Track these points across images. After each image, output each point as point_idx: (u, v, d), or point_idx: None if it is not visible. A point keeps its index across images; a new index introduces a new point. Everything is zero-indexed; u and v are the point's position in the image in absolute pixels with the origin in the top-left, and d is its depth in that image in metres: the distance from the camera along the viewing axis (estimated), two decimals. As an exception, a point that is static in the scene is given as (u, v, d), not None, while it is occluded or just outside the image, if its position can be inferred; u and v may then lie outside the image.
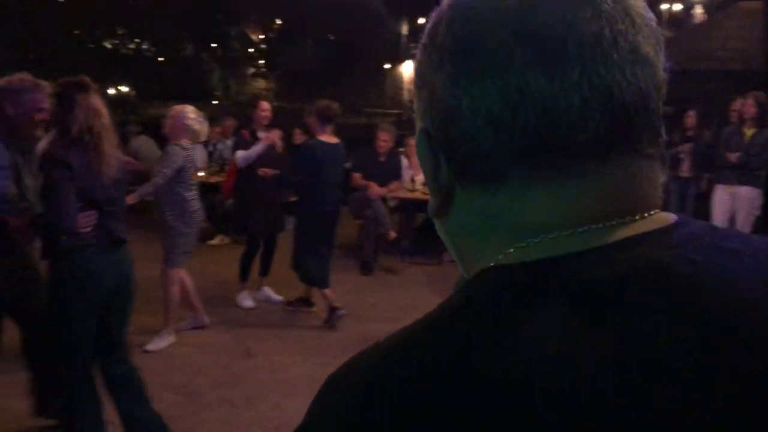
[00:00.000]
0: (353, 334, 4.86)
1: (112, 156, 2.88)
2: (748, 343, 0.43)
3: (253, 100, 6.15)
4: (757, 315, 0.44)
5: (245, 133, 5.83)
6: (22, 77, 3.09)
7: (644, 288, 0.44)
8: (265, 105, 5.85)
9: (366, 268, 6.74)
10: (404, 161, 7.36)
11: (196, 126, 4.67)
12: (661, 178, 0.52)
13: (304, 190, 5.13)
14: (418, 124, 0.55)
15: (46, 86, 3.11)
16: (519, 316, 0.44)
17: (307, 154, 5.07)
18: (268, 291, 5.74)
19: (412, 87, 0.57)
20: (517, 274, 0.48)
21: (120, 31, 17.35)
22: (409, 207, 7.31)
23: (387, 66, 41.14)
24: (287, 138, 9.32)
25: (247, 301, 5.58)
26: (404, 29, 42.83)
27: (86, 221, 2.81)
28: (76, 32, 14.82)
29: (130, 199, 4.43)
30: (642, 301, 0.44)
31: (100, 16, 15.26)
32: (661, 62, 0.51)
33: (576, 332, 0.42)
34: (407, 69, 44.80)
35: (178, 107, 4.75)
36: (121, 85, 19.46)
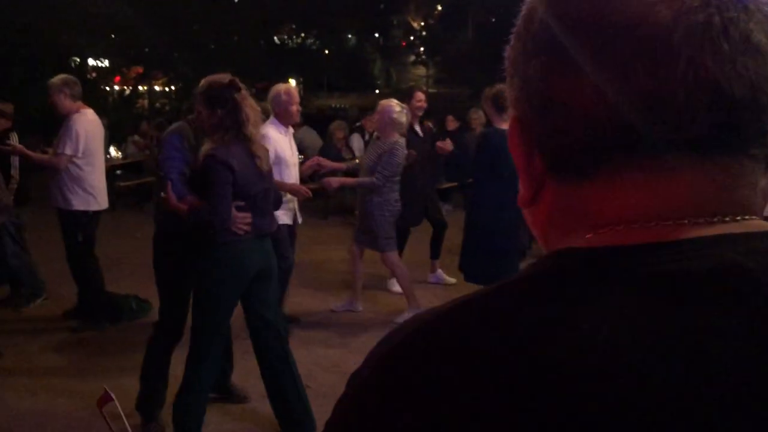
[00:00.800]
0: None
1: (264, 151, 3.07)
2: None
3: (409, 91, 6.12)
4: None
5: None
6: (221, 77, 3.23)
7: (715, 286, 0.42)
8: (420, 95, 5.81)
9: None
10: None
11: (402, 119, 4.81)
12: (763, 181, 0.48)
13: (480, 181, 4.91)
14: (511, 112, 0.54)
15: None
16: (580, 297, 0.43)
17: (482, 144, 4.85)
18: (441, 273, 5.98)
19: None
20: (586, 257, 0.47)
21: (288, 27, 18.31)
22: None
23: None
24: (440, 124, 9.35)
25: (395, 287, 5.68)
26: (568, 7, 40.95)
27: (242, 221, 3.03)
28: (248, 30, 15.84)
29: (335, 183, 4.90)
30: (712, 299, 0.42)
31: (270, 14, 16.19)
32: None
33: (637, 324, 0.41)
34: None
35: (384, 102, 4.89)
36: (289, 78, 20.57)
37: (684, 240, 0.45)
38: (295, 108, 4.63)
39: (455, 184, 8.34)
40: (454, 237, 5.82)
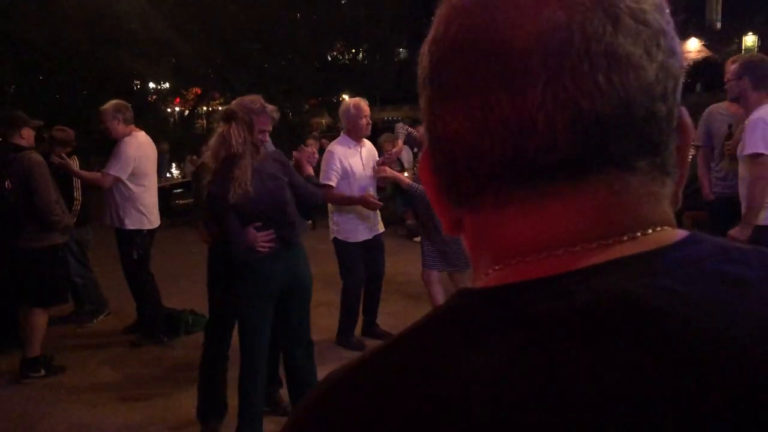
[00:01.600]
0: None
1: (247, 173, 3.01)
2: (704, 387, 0.37)
3: None
4: (736, 358, 0.37)
5: None
6: (254, 98, 3.28)
7: (596, 323, 0.40)
8: None
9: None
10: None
11: None
12: (663, 189, 0.46)
13: None
14: (424, 145, 0.54)
15: (273, 109, 3.41)
16: (467, 342, 0.42)
17: None
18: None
19: None
20: (478, 300, 0.46)
21: (339, 44, 18.54)
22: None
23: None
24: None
25: None
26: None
27: (264, 239, 3.10)
28: (300, 48, 16.10)
29: (389, 173, 4.64)
30: (589, 337, 0.39)
31: (322, 31, 16.44)
32: (656, 60, 0.44)
33: (513, 368, 0.40)
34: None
35: None
36: (344, 93, 20.78)
37: (572, 272, 0.43)
38: (365, 121, 4.60)
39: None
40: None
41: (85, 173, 5.23)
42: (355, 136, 4.64)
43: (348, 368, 0.47)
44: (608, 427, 0.37)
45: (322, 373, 4.17)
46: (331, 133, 15.29)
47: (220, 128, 3.05)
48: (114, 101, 5.00)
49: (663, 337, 0.39)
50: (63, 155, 5.15)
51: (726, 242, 0.46)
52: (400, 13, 19.02)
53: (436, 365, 0.42)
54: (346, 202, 4.64)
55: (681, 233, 0.46)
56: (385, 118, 28.37)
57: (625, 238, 0.44)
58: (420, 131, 6.04)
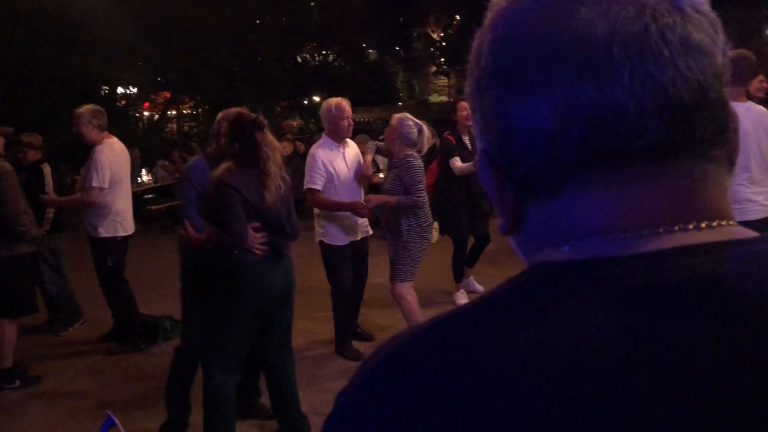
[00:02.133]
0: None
1: (275, 186, 3.08)
2: None
3: (454, 104, 5.89)
4: None
5: (450, 137, 5.59)
6: (241, 111, 3.28)
7: (685, 298, 0.42)
8: (464, 104, 5.50)
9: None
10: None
11: (414, 133, 4.35)
12: (729, 181, 0.49)
13: None
14: (478, 145, 0.55)
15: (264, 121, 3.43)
16: (551, 309, 0.43)
17: None
18: (471, 280, 5.90)
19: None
20: (559, 271, 0.47)
21: (309, 46, 18.53)
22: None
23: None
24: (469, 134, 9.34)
25: (462, 300, 5.66)
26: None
27: (259, 240, 3.09)
28: (271, 51, 16.06)
29: (375, 200, 4.36)
30: (680, 312, 0.41)
31: (292, 34, 16.42)
32: (719, 47, 0.47)
33: (603, 334, 0.41)
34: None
35: (397, 116, 4.49)
36: (314, 95, 20.73)
37: (659, 251, 0.45)
38: (346, 123, 4.49)
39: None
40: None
41: (71, 199, 5.18)
42: (337, 138, 4.55)
43: (428, 328, 0.47)
44: (695, 396, 0.38)
45: (324, 384, 4.19)
46: (303, 135, 15.28)
47: (259, 137, 3.07)
48: (90, 106, 4.94)
49: (750, 318, 0.40)
50: (47, 192, 5.12)
51: None
52: (370, 17, 19.09)
53: (530, 332, 0.42)
54: (335, 208, 4.53)
55: (749, 232, 0.48)
56: (357, 120, 28.47)
57: (703, 225, 0.46)
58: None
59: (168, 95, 16.43)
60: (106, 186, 4.84)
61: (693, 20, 0.46)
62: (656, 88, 0.44)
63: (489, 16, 0.52)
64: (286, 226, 3.22)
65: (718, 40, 0.47)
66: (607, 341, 0.40)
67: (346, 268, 4.65)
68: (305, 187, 4.55)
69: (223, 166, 3.07)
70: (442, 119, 14.58)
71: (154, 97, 16.06)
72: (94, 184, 4.81)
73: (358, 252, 4.74)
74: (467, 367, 0.42)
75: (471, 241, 5.82)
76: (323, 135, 4.69)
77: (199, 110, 16.33)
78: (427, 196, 4.38)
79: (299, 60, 18.65)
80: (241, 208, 3.01)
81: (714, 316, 0.41)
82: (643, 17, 0.45)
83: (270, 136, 3.11)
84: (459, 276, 5.74)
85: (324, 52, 19.34)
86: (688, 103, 0.45)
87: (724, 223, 0.47)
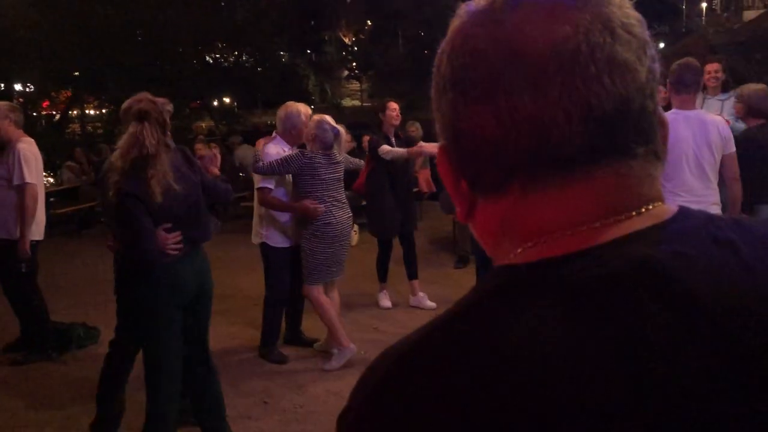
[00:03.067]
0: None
1: (168, 173, 2.94)
2: (727, 330, 0.47)
3: (381, 103, 5.77)
4: (737, 304, 0.48)
5: (373, 139, 5.58)
6: (155, 98, 3.14)
7: (633, 283, 0.48)
8: (393, 105, 5.61)
9: (461, 261, 6.83)
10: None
11: (328, 136, 4.35)
12: (658, 171, 0.56)
13: None
14: (439, 142, 0.61)
15: (164, 102, 3.39)
16: (517, 310, 0.49)
17: None
18: (423, 297, 5.69)
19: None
20: (519, 273, 0.52)
21: (221, 45, 18.19)
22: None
23: (479, 57, 40.49)
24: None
25: (385, 301, 5.69)
26: (495, 19, 41.96)
27: (172, 241, 2.98)
28: (180, 50, 15.66)
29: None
30: (630, 297, 0.47)
31: (202, 33, 16.06)
32: (645, 64, 0.53)
33: (563, 328, 0.46)
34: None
35: (316, 117, 4.51)
36: (224, 97, 20.37)
37: (600, 245, 0.51)
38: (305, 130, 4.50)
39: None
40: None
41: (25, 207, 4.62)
42: (292, 141, 4.55)
43: (408, 345, 0.52)
44: (656, 376, 0.44)
45: (248, 388, 4.14)
46: (213, 138, 14.93)
47: (131, 128, 2.91)
48: (4, 101, 4.68)
49: (685, 292, 0.48)
50: None
51: (708, 213, 0.56)
52: (281, 19, 18.94)
53: (503, 335, 0.48)
54: (288, 210, 4.50)
55: (673, 208, 0.55)
56: (268, 122, 28.10)
57: (633, 213, 0.53)
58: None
59: (68, 94, 15.67)
60: (36, 182, 4.59)
61: (621, 40, 0.52)
62: (581, 102, 0.51)
63: (451, 26, 0.59)
64: (203, 217, 3.17)
65: (644, 58, 0.54)
66: (573, 335, 0.46)
67: (285, 271, 4.61)
68: (257, 185, 4.46)
69: (116, 173, 2.91)
70: (356, 123, 14.67)
71: (54, 95, 15.29)
72: (31, 180, 4.52)
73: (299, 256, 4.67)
74: (461, 370, 0.47)
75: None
76: (276, 135, 4.61)
77: (104, 110, 15.67)
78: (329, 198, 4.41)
79: (210, 60, 18.26)
80: (146, 216, 2.89)
81: (653, 297, 0.47)
82: (577, 36, 0.51)
83: (147, 129, 2.91)
84: (383, 276, 5.76)
85: (235, 53, 19.02)
86: (609, 114, 0.51)
87: (651, 207, 0.54)
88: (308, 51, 28.94)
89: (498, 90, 0.52)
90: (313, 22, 27.79)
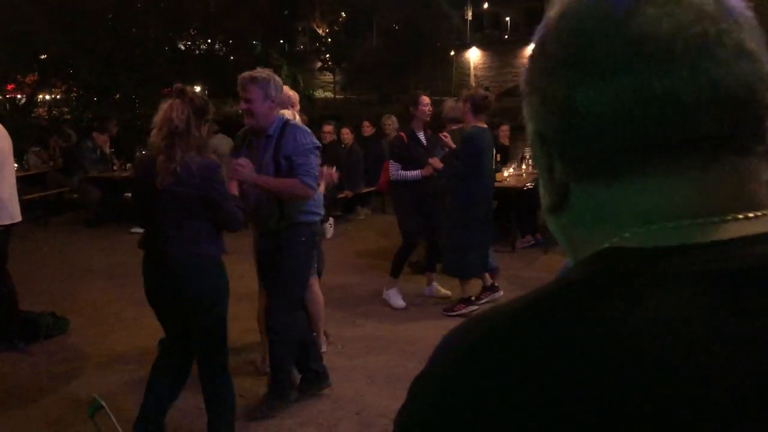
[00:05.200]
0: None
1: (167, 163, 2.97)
2: None
3: (413, 96, 5.45)
4: None
5: (403, 135, 5.45)
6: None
7: (758, 284, 0.46)
8: (426, 99, 5.36)
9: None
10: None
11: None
12: (766, 176, 0.53)
13: (466, 178, 5.00)
14: (530, 127, 0.58)
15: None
16: (638, 295, 0.46)
17: (470, 143, 4.96)
18: (435, 287, 5.62)
19: (523, 92, 0.59)
20: (639, 257, 0.50)
21: (193, 32, 17.91)
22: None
23: (452, 53, 40.77)
24: (357, 130, 9.40)
25: (397, 299, 5.44)
26: (468, 15, 42.32)
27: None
28: (152, 36, 15.38)
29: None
30: (757, 297, 0.45)
31: (174, 19, 15.81)
32: (766, 57, 0.52)
33: (707, 316, 0.45)
34: (473, 55, 44.34)
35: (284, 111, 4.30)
36: (196, 85, 20.10)
37: (723, 241, 0.49)
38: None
39: (373, 188, 8.45)
40: (379, 241, 5.93)
41: None
42: None
43: (505, 316, 0.50)
44: None
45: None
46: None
47: (164, 104, 2.90)
48: None
49: None
50: None
51: None
52: (254, 7, 18.76)
53: (620, 320, 0.45)
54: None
55: None
56: (239, 111, 27.77)
57: (752, 215, 0.51)
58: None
59: (35, 77, 15.29)
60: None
61: (745, 29, 0.52)
62: (712, 83, 0.49)
63: (555, 9, 0.57)
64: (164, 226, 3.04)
65: (764, 50, 0.53)
66: (697, 327, 0.44)
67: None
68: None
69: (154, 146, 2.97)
70: (330, 115, 14.56)
71: (21, 78, 14.89)
72: None
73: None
74: (570, 364, 0.45)
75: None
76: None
77: (72, 95, 15.30)
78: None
79: (182, 47, 17.97)
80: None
81: None
82: (703, 21, 0.50)
83: (183, 106, 2.92)
84: (397, 272, 5.49)
85: (208, 41, 18.77)
86: (738, 100, 0.50)
87: (766, 213, 0.52)
88: (281, 41, 28.68)
89: (622, 68, 0.50)
90: (287, 12, 27.53)
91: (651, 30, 0.50)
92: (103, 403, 1.97)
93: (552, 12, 0.57)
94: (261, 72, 3.54)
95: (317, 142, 3.67)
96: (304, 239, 3.68)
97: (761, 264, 0.47)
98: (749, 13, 0.53)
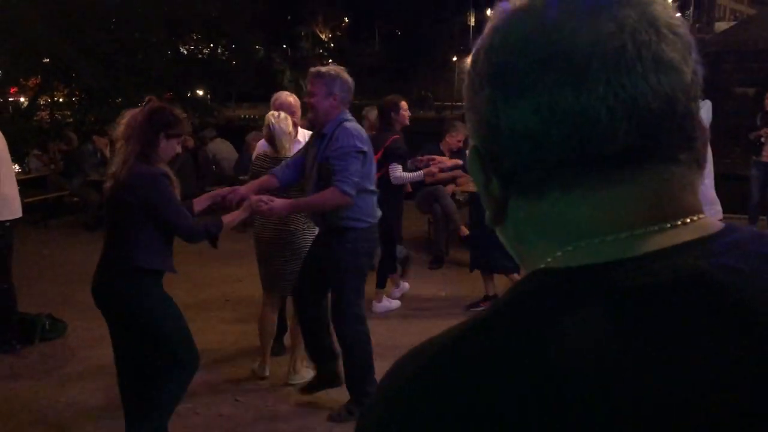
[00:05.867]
0: (425, 328, 4.95)
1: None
2: None
3: (394, 101, 5.44)
4: None
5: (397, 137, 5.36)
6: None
7: (682, 295, 0.47)
8: (405, 104, 5.39)
9: (437, 262, 6.81)
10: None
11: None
12: (698, 180, 0.54)
13: None
14: (471, 142, 0.60)
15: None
16: (561, 317, 0.47)
17: None
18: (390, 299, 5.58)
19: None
20: (562, 278, 0.51)
21: (195, 37, 17.96)
22: (478, 200, 7.29)
23: (455, 58, 40.85)
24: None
25: (389, 303, 5.47)
26: (471, 20, 42.41)
27: None
28: (154, 40, 15.41)
29: None
30: (679, 308, 0.46)
31: (176, 24, 15.85)
32: (690, 66, 0.52)
33: (613, 334, 0.46)
34: (476, 61, 44.36)
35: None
36: (198, 89, 20.13)
37: (646, 254, 0.50)
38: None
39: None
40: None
41: None
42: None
43: (439, 347, 0.51)
44: (697, 386, 0.43)
45: None
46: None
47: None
48: None
49: (735, 306, 0.47)
50: None
51: (756, 230, 0.56)
52: (257, 12, 18.79)
53: (545, 340, 0.46)
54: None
55: (717, 222, 0.54)
56: (242, 116, 27.94)
57: (678, 223, 0.52)
58: None
59: (38, 81, 15.32)
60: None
61: (667, 40, 0.51)
62: (627, 99, 0.50)
63: (488, 25, 0.58)
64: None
65: (689, 59, 0.53)
66: (603, 344, 0.45)
67: None
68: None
69: None
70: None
71: (23, 82, 14.92)
72: None
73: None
74: (502, 373, 0.46)
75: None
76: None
77: (74, 98, 15.32)
78: None
79: (184, 52, 18.01)
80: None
81: (707, 310, 0.47)
82: (622, 34, 0.50)
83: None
84: (382, 283, 5.45)
85: (211, 45, 18.80)
86: (655, 113, 0.50)
87: (695, 218, 0.53)
88: (284, 46, 28.77)
89: (539, 85, 0.51)
90: (289, 17, 27.63)
91: (568, 47, 0.51)
92: None
93: (486, 28, 0.58)
94: (330, 68, 3.48)
95: (363, 145, 3.41)
96: (349, 246, 3.47)
97: (672, 276, 0.48)
98: (676, 22, 0.53)
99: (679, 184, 0.53)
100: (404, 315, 5.32)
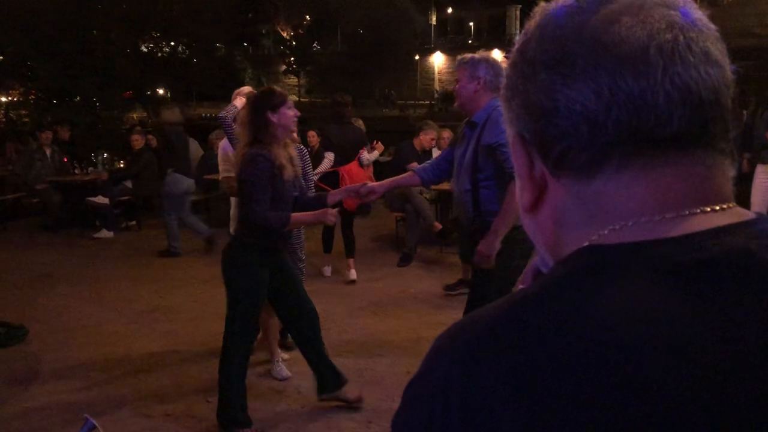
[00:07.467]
0: (397, 326, 4.97)
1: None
2: None
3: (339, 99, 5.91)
4: None
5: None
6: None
7: (735, 271, 0.50)
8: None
9: (405, 260, 6.84)
10: (435, 152, 7.35)
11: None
12: (731, 171, 0.58)
13: None
14: (510, 130, 0.62)
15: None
16: (622, 289, 0.50)
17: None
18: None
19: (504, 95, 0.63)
20: (617, 253, 0.53)
21: (155, 34, 17.68)
22: (447, 198, 7.35)
23: (417, 57, 41.01)
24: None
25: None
26: (433, 20, 42.64)
27: None
28: (113, 38, 15.13)
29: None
30: (733, 283, 0.49)
31: (136, 21, 15.58)
32: (727, 64, 0.57)
33: (679, 307, 0.48)
34: (438, 60, 44.68)
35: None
36: (158, 88, 19.82)
37: (694, 233, 0.53)
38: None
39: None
40: (366, 244, 5.88)
41: None
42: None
43: (494, 317, 0.53)
44: (750, 361, 0.46)
45: None
46: (145, 129, 14.44)
47: None
48: None
49: None
50: None
51: None
52: (218, 10, 18.57)
53: (599, 312, 0.49)
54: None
55: (750, 212, 0.57)
56: (203, 115, 27.54)
57: (718, 208, 0.55)
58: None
59: (-9, 79, 14.90)
60: None
61: (711, 38, 0.57)
62: (682, 86, 0.54)
63: (537, 18, 0.61)
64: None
65: (726, 58, 0.57)
66: (669, 314, 0.48)
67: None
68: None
69: None
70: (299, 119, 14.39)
71: (-25, 80, 14.51)
72: None
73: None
74: (553, 343, 0.48)
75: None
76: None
77: (31, 98, 14.94)
78: None
79: (144, 50, 17.70)
80: None
81: (758, 285, 0.50)
82: (673, 29, 0.55)
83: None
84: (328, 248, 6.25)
85: (171, 43, 18.52)
86: (705, 102, 0.54)
87: (732, 205, 0.56)
88: (245, 44, 28.50)
89: (600, 69, 0.54)
90: (251, 15, 27.37)
91: (627, 36, 0.54)
92: (96, 423, 1.92)
93: (532, 22, 0.61)
94: (477, 54, 3.29)
95: None
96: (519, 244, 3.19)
97: (724, 253, 0.51)
98: (711, 25, 0.58)
99: (720, 171, 0.56)
100: (375, 312, 5.32)
